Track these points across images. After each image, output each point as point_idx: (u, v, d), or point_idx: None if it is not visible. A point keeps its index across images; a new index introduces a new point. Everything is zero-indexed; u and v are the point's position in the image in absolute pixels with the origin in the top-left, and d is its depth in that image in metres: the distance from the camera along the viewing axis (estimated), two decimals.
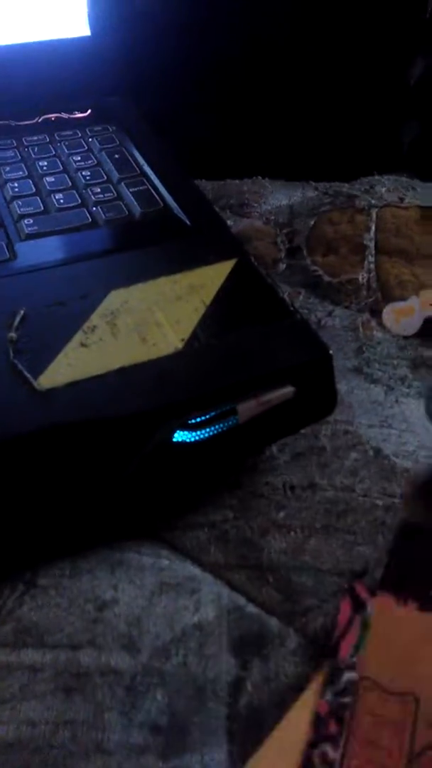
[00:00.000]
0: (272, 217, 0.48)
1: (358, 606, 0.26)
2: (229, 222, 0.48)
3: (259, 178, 0.53)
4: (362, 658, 0.24)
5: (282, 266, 0.44)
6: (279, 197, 0.50)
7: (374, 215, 0.44)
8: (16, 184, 0.40)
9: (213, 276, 0.34)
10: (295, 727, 0.23)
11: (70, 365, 0.29)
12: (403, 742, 0.23)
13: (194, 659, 0.26)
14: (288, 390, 0.30)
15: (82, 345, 0.30)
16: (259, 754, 0.23)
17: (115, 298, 0.33)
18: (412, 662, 0.25)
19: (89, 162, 0.43)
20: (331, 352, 0.30)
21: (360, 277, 0.42)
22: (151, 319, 0.32)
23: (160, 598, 0.27)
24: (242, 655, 0.26)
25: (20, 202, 0.39)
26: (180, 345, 0.31)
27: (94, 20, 0.50)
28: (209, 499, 0.31)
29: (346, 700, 0.24)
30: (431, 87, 1.02)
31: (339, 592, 0.28)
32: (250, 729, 0.24)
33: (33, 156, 0.43)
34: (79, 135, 0.46)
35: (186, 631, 0.27)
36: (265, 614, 0.28)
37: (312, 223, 0.46)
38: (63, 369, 0.29)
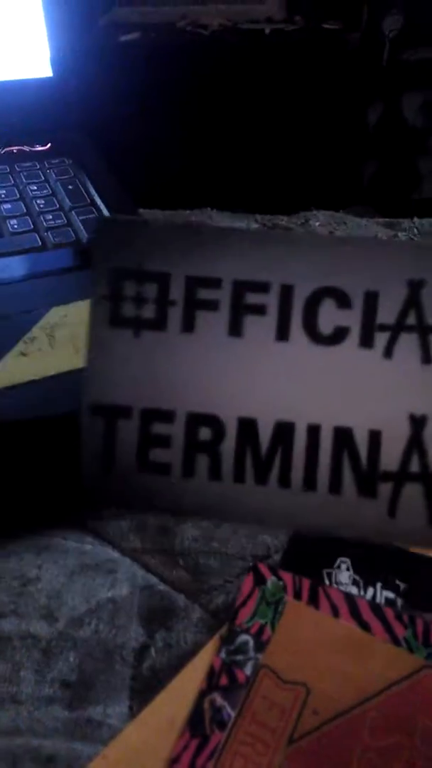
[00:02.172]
0: None
1: (260, 581, 0.30)
2: None
3: (208, 209, 0.58)
4: (266, 647, 0.28)
5: None
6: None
7: None
8: None
9: None
10: (190, 679, 0.27)
11: (9, 372, 0.33)
12: (287, 725, 0.26)
13: (106, 628, 0.29)
14: None
15: (22, 354, 0.34)
16: (155, 702, 0.26)
17: (55, 313, 0.37)
18: (310, 657, 0.27)
19: (44, 191, 0.47)
20: None
21: None
22: (85, 331, 0.36)
23: (80, 577, 0.31)
24: (150, 626, 0.30)
25: None
26: None
27: (56, 62, 0.55)
28: None
29: (238, 657, 0.27)
30: (388, 129, 1.09)
31: (242, 573, 0.32)
32: (151, 688, 0.27)
33: None
34: (38, 167, 0.50)
35: (100, 604, 0.30)
36: (174, 592, 0.31)
37: None
38: (2, 374, 0.33)
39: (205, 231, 0.21)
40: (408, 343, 0.20)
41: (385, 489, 0.20)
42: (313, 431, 0.21)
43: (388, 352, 0.20)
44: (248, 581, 0.30)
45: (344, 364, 0.21)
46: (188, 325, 0.21)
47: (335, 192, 0.90)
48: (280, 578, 0.30)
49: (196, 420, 0.21)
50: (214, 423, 0.21)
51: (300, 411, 0.21)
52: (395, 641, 0.28)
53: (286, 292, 0.21)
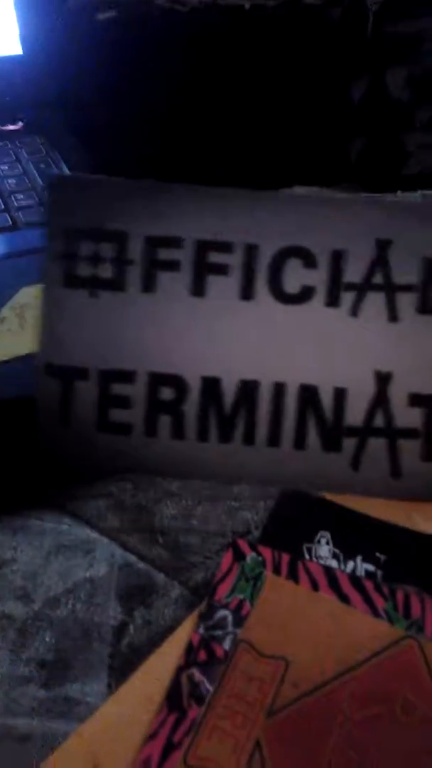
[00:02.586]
0: None
1: (239, 557, 0.30)
2: None
3: None
4: (245, 622, 0.27)
5: None
6: None
7: None
8: None
9: None
10: (168, 655, 0.27)
11: None
12: (265, 698, 0.25)
13: (83, 607, 0.29)
14: None
15: None
16: (132, 679, 0.26)
17: (25, 293, 0.36)
18: (287, 629, 0.27)
19: (16, 171, 0.46)
20: None
21: None
22: None
23: (57, 557, 0.31)
24: (128, 604, 0.29)
25: None
26: None
27: (25, 40, 0.53)
28: (112, 473, 0.34)
29: (217, 633, 0.27)
30: (374, 105, 1.08)
31: (222, 550, 0.31)
32: (129, 665, 0.27)
33: None
34: (9, 146, 0.49)
35: (78, 584, 0.30)
36: (153, 570, 0.31)
37: None
38: None
39: (165, 189, 0.21)
40: (374, 302, 0.20)
41: (349, 444, 0.20)
42: (279, 389, 0.21)
43: (355, 311, 0.20)
44: (227, 557, 0.30)
45: (310, 323, 0.20)
46: (148, 285, 0.21)
47: (323, 169, 0.89)
48: (259, 554, 0.30)
49: (158, 380, 0.21)
50: (177, 383, 0.21)
51: (265, 369, 0.21)
52: (375, 613, 0.28)
53: (251, 252, 0.20)
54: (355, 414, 0.20)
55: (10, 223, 0.41)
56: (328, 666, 0.26)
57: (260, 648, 0.27)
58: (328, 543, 0.31)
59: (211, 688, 0.26)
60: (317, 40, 0.99)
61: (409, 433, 0.19)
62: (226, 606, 0.28)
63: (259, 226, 0.20)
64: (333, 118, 1.07)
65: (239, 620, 0.28)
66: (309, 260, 0.20)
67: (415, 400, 0.19)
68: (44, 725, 0.25)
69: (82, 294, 0.21)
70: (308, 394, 0.20)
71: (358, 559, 0.30)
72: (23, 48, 0.53)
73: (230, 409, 0.21)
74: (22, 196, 0.44)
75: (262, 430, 0.21)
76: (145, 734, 0.25)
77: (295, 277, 0.20)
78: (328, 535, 0.31)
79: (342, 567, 0.30)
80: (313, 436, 0.20)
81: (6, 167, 0.46)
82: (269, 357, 0.21)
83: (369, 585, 0.29)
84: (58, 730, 0.25)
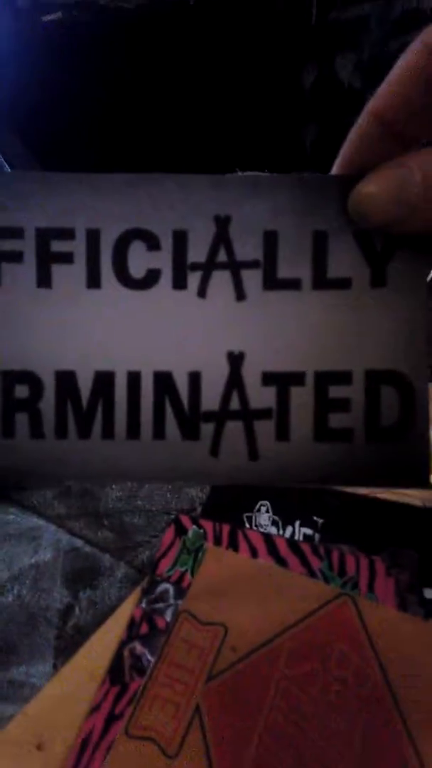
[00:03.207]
0: None
1: (181, 531, 0.30)
2: None
3: None
4: (187, 593, 0.28)
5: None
6: None
7: None
8: None
9: None
10: (111, 632, 0.27)
11: None
12: (205, 664, 0.26)
13: (29, 593, 0.29)
14: None
15: None
16: (75, 657, 0.26)
17: None
18: (227, 597, 0.28)
19: None
20: None
21: None
22: None
23: (2, 545, 0.31)
24: (74, 587, 0.30)
25: None
26: None
27: None
28: None
29: (159, 605, 0.28)
30: (325, 91, 1.08)
31: (167, 526, 0.32)
32: (75, 645, 0.28)
33: None
34: None
35: (23, 570, 0.30)
36: (99, 552, 0.31)
37: None
38: None
39: (3, 178, 0.20)
40: (221, 281, 0.19)
41: (207, 429, 0.19)
42: (134, 378, 0.20)
43: (202, 292, 0.19)
44: (169, 533, 0.30)
45: (159, 308, 0.20)
46: None
47: (278, 158, 0.90)
48: (200, 527, 0.30)
49: (10, 378, 0.20)
50: (31, 379, 0.20)
51: (118, 359, 0.20)
52: (311, 574, 0.28)
53: (93, 237, 0.20)
54: (210, 398, 0.19)
55: None
56: (266, 628, 0.27)
57: (200, 616, 0.27)
58: (267, 511, 0.31)
59: (152, 659, 0.26)
60: (264, 28, 1.00)
61: (264, 414, 0.19)
62: (167, 579, 0.28)
63: (99, 210, 0.20)
64: (285, 105, 1.08)
65: (180, 592, 0.28)
66: (152, 242, 0.20)
67: (268, 378, 0.19)
68: None
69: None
70: (163, 381, 0.20)
71: (297, 523, 0.31)
72: None
73: (87, 402, 0.20)
74: None
75: (120, 422, 0.20)
76: (88, 708, 0.25)
77: (139, 261, 0.20)
78: (267, 503, 0.31)
79: (281, 533, 0.30)
80: (171, 425, 0.19)
81: None
82: (121, 346, 0.20)
83: (306, 548, 0.29)
84: (4, 712, 0.25)
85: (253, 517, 0.31)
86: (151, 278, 0.20)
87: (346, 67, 1.04)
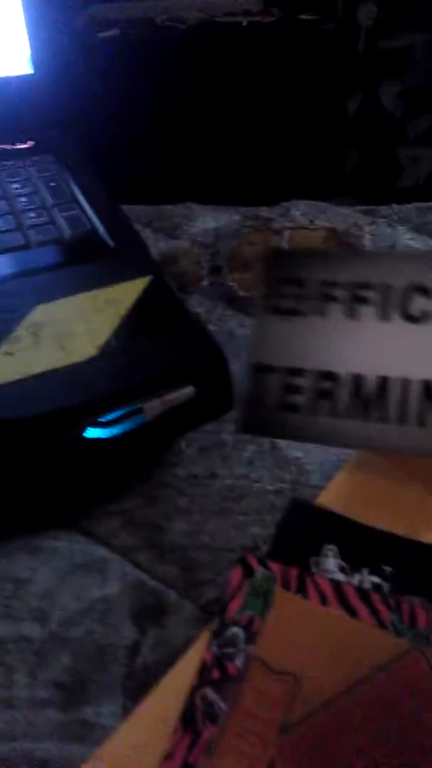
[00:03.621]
0: (199, 239, 0.53)
1: (248, 572, 0.30)
2: (159, 243, 0.53)
3: (190, 203, 0.58)
4: (257, 638, 0.28)
5: (205, 283, 0.49)
6: (207, 221, 0.55)
7: (286, 236, 0.48)
8: None
9: (129, 291, 0.38)
10: (181, 675, 0.27)
11: None
12: (277, 715, 0.26)
13: (98, 627, 0.29)
14: (188, 390, 0.34)
15: (7, 354, 0.34)
16: (147, 700, 0.26)
17: (40, 311, 0.37)
18: (300, 646, 0.27)
19: (27, 189, 0.47)
20: (226, 356, 0.34)
21: None
22: (70, 329, 0.36)
23: (72, 577, 0.31)
24: (141, 623, 0.30)
25: None
26: (95, 352, 0.34)
27: (36, 59, 0.54)
28: (123, 490, 0.35)
29: (230, 650, 0.27)
30: (368, 118, 1.09)
31: (232, 566, 0.32)
32: (144, 685, 0.27)
33: None
34: (20, 164, 0.50)
35: (92, 603, 0.30)
36: (164, 587, 0.31)
37: (234, 244, 0.51)
38: None
39: (331, 254, 0.36)
40: None
41: None
42: (405, 383, 0.30)
43: None
44: (237, 573, 0.30)
45: (428, 337, 0.30)
46: (321, 312, 0.32)
47: (317, 182, 0.91)
48: (268, 569, 0.30)
49: (321, 376, 0.31)
50: (334, 378, 0.31)
51: (396, 369, 0.30)
52: (382, 625, 0.28)
53: (387, 289, 0.31)
54: None
55: (23, 241, 0.42)
56: (337, 680, 0.26)
57: (271, 664, 0.27)
58: (335, 556, 0.31)
59: (224, 706, 0.26)
60: (311, 56, 1.01)
61: None
62: (237, 623, 0.28)
63: (392, 273, 0.32)
64: (327, 131, 1.09)
65: (251, 637, 0.28)
66: (427, 292, 0.31)
67: None
68: (62, 749, 0.25)
69: (279, 318, 0.32)
70: (426, 387, 0.30)
71: (365, 571, 0.30)
72: (34, 68, 0.53)
73: (371, 396, 0.31)
74: (33, 215, 0.44)
75: (393, 412, 0.30)
76: (161, 756, 0.25)
77: (417, 305, 0.31)
78: (334, 548, 0.31)
79: (349, 580, 0.30)
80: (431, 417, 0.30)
81: (18, 185, 0.47)
82: (399, 360, 0.31)
83: (375, 598, 0.29)
84: (76, 753, 0.25)
85: (320, 562, 0.31)
86: (424, 317, 0.30)
87: (390, 95, 1.04)
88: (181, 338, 0.35)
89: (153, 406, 0.33)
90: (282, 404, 0.32)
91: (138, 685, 0.28)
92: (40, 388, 0.33)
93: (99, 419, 0.33)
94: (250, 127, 0.97)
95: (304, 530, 0.32)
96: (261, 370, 0.32)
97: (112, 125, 0.73)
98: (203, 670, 0.27)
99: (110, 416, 0.33)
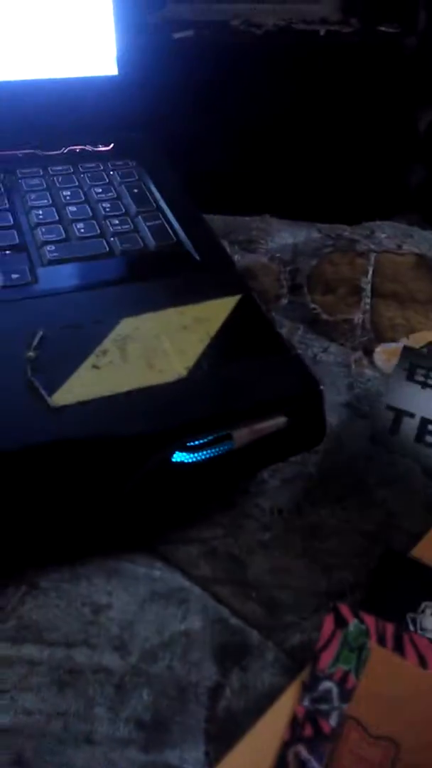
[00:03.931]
0: (277, 255, 0.51)
1: (341, 623, 0.29)
2: (236, 257, 0.51)
3: (267, 216, 0.56)
4: (352, 697, 0.26)
5: (284, 302, 0.47)
6: (284, 236, 0.53)
7: (372, 260, 0.47)
8: (40, 212, 0.43)
9: (218, 310, 0.37)
10: (271, 728, 0.25)
11: (82, 385, 0.32)
12: None
13: (179, 664, 0.28)
14: (280, 420, 0.32)
15: (94, 367, 0.33)
16: (235, 751, 0.25)
17: (126, 324, 0.36)
18: (398, 710, 0.26)
19: (109, 194, 0.46)
20: (322, 386, 0.32)
21: (355, 318, 0.44)
22: (158, 346, 0.34)
23: (151, 606, 0.30)
24: (223, 663, 0.28)
25: (44, 229, 0.41)
26: (184, 372, 0.33)
27: (122, 61, 0.53)
28: (203, 517, 0.34)
29: (323, 707, 0.26)
30: None
31: (317, 611, 0.30)
32: (226, 732, 0.26)
33: (57, 185, 0.46)
34: (101, 168, 0.49)
35: (173, 637, 0.29)
36: (247, 626, 0.30)
37: (314, 263, 0.49)
38: (75, 388, 0.32)
39: None
40: None
41: None
42: None
43: None
44: (329, 623, 0.28)
45: None
46: None
47: (381, 197, 0.89)
48: (362, 621, 0.28)
49: None
50: None
51: None
52: None
53: None
54: None
55: (107, 249, 0.41)
56: None
57: (368, 727, 0.26)
58: None
59: (318, 766, 0.24)
60: (390, 69, 0.99)
61: None
62: (330, 677, 0.27)
63: None
64: (397, 146, 1.07)
65: (345, 694, 0.26)
66: None
67: None
68: None
69: (415, 384, 0.38)
70: None
71: None
72: (119, 68, 0.53)
73: None
74: (117, 222, 0.43)
75: None
76: None
77: None
78: None
79: None
80: None
81: (99, 190, 0.46)
82: None
83: None
84: None
85: (418, 619, 0.29)
86: None
87: None
88: (275, 364, 0.34)
89: (242, 434, 0.32)
90: (418, 438, 0.37)
91: (221, 731, 0.26)
92: (128, 408, 0.31)
93: (187, 444, 0.32)
94: (323, 139, 0.96)
95: (400, 584, 0.30)
96: (396, 411, 0.38)
97: (187, 130, 0.72)
98: (295, 725, 0.25)
99: (199, 441, 0.32)
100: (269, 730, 0.25)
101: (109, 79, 0.53)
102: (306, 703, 0.26)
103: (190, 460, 0.32)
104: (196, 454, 0.32)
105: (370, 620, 0.28)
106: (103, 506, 0.31)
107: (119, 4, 0.52)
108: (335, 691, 0.26)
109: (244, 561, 0.32)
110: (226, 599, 0.31)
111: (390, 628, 0.28)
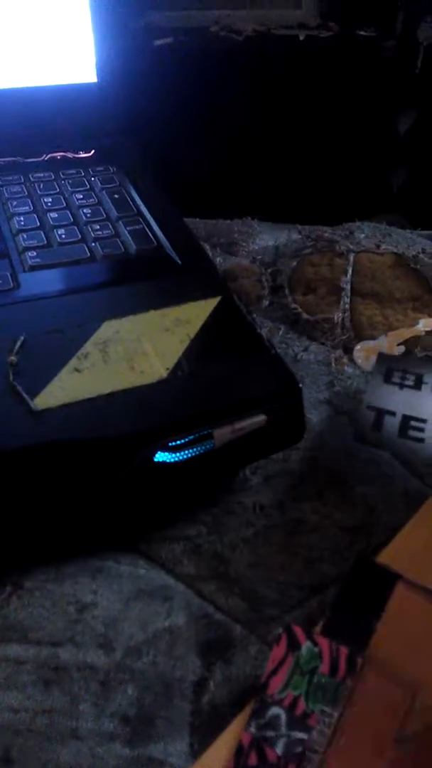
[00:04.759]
0: (258, 257, 0.52)
1: (293, 645, 0.28)
2: (218, 259, 0.52)
3: (249, 219, 0.57)
4: (372, 639, 0.26)
5: (265, 303, 0.48)
6: (266, 238, 0.54)
7: (351, 260, 0.48)
8: (22, 218, 0.43)
9: (198, 311, 0.38)
10: (218, 756, 0.25)
11: (63, 388, 0.32)
12: (395, 724, 0.24)
13: (164, 659, 0.28)
14: (260, 418, 0.33)
15: (76, 370, 0.33)
16: (215, 745, 0.25)
17: (107, 328, 0.36)
18: (418, 651, 0.26)
19: (90, 200, 0.46)
20: (301, 384, 0.33)
21: (335, 317, 0.45)
22: (139, 348, 0.35)
23: (136, 603, 0.30)
24: (207, 658, 0.29)
25: (25, 236, 0.42)
26: (165, 373, 0.34)
27: (101, 68, 0.54)
28: (186, 515, 0.34)
29: (270, 734, 0.25)
30: (420, 136, 1.08)
31: (300, 604, 0.31)
32: (211, 724, 0.27)
33: (38, 192, 0.47)
34: (82, 174, 0.50)
35: (157, 633, 0.29)
36: (230, 621, 0.30)
37: (294, 264, 0.50)
38: (57, 392, 0.32)
39: None
40: None
41: None
42: None
43: None
44: (281, 646, 0.28)
45: None
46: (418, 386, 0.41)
47: (363, 198, 0.90)
48: (315, 644, 0.28)
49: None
50: None
51: None
52: None
53: None
54: None
55: (88, 254, 0.41)
56: None
57: (387, 668, 0.25)
58: None
59: None
60: (369, 72, 1.00)
61: None
62: (279, 703, 0.26)
63: None
64: (378, 148, 1.08)
65: (294, 721, 0.26)
66: None
67: None
68: None
69: (394, 386, 0.41)
70: None
71: None
72: (98, 75, 0.53)
73: None
74: (98, 227, 0.44)
75: None
76: None
77: None
78: None
79: None
80: None
81: (80, 196, 0.47)
82: None
83: None
84: None
85: None
86: None
87: None
88: (255, 364, 0.35)
89: (223, 433, 0.33)
90: (401, 433, 0.38)
91: (205, 724, 0.27)
92: (110, 409, 0.32)
93: (169, 444, 0.32)
94: (304, 142, 0.97)
95: (370, 591, 0.31)
96: (377, 410, 0.39)
97: (168, 135, 0.73)
98: (239, 753, 0.25)
99: (180, 441, 0.32)
100: (216, 758, 0.25)
101: (88, 87, 0.53)
102: (252, 729, 0.25)
103: (172, 460, 0.33)
104: (177, 454, 0.33)
105: (323, 642, 0.28)
106: (87, 507, 0.32)
107: (98, 13, 0.52)
108: (283, 717, 0.26)
109: (228, 557, 0.33)
110: (210, 595, 0.31)
111: (344, 651, 0.27)
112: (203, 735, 0.26)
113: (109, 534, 0.33)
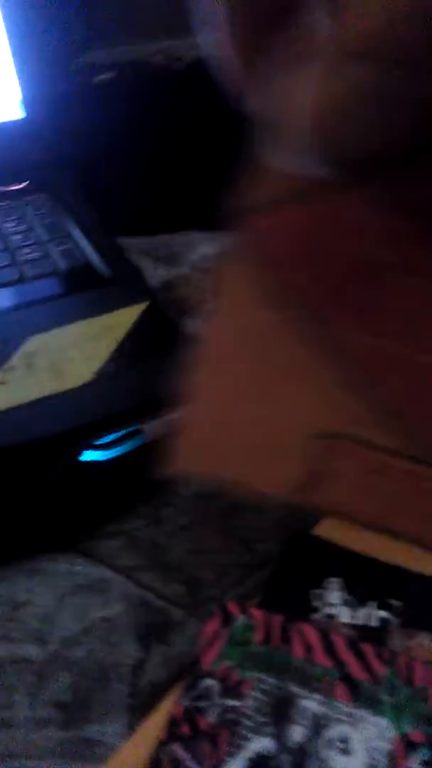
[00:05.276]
0: (199, 265, 0.53)
1: (227, 620, 0.28)
2: (159, 271, 0.53)
3: (189, 231, 0.59)
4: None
5: (208, 306, 0.49)
6: (206, 247, 0.56)
7: None
8: None
9: (125, 317, 0.39)
10: (153, 729, 0.25)
11: None
12: None
13: (100, 647, 0.29)
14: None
15: (1, 383, 0.35)
16: (116, 756, 0.25)
17: (34, 341, 0.37)
18: None
19: (22, 227, 0.48)
20: None
21: None
22: (65, 357, 0.36)
23: (72, 598, 0.31)
24: (145, 642, 0.29)
25: None
26: (90, 377, 0.35)
27: (29, 103, 0.56)
28: (124, 511, 0.35)
29: (202, 704, 0.26)
30: None
31: (240, 582, 0.32)
32: (149, 703, 0.27)
33: None
34: (15, 204, 0.51)
35: (94, 623, 0.30)
36: (170, 606, 0.31)
37: None
38: None
39: None
40: None
41: None
42: None
43: None
44: (215, 621, 0.28)
45: None
46: None
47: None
48: (250, 617, 0.28)
49: None
50: None
51: None
52: (375, 680, 0.26)
53: None
54: None
55: (18, 276, 0.43)
56: None
57: None
58: (340, 589, 0.30)
59: (194, 765, 0.24)
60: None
61: None
62: (212, 674, 0.27)
63: None
64: None
65: (227, 690, 0.26)
66: None
67: None
68: (64, 767, 0.25)
69: None
70: None
71: (372, 606, 0.29)
72: (26, 111, 0.56)
73: None
74: (28, 250, 0.45)
75: None
76: None
77: None
78: (339, 581, 0.30)
79: (354, 614, 0.29)
80: None
81: (12, 225, 0.48)
82: None
83: (368, 649, 0.27)
84: None
85: (324, 594, 0.30)
86: None
87: None
88: (179, 361, 0.36)
89: (152, 428, 0.34)
90: None
91: (143, 703, 0.27)
92: (35, 415, 0.33)
93: (95, 442, 0.33)
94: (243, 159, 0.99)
95: (307, 561, 0.31)
96: None
97: (109, 163, 0.75)
98: (172, 724, 0.25)
99: (107, 439, 0.33)
100: (151, 732, 0.25)
101: (17, 123, 0.56)
102: (185, 702, 0.26)
103: (102, 458, 0.34)
104: (107, 452, 0.34)
105: (258, 614, 0.28)
106: (20, 511, 0.33)
107: (18, 52, 0.55)
108: (216, 687, 0.26)
109: (166, 546, 0.33)
110: (149, 583, 0.32)
111: (277, 621, 0.28)
112: (143, 714, 0.27)
113: (46, 536, 0.33)
